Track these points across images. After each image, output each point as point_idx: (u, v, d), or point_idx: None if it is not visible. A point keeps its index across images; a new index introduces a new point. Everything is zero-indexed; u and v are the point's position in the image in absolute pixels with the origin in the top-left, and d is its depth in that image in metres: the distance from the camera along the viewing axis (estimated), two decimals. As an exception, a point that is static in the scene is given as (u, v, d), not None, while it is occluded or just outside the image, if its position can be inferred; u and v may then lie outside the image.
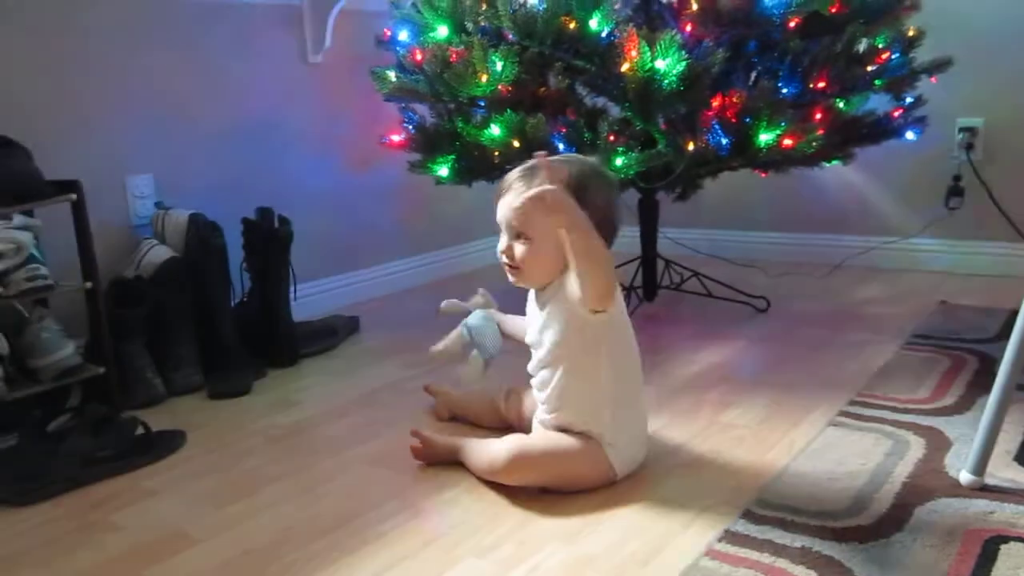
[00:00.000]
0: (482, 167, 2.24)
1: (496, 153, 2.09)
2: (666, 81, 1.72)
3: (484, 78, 1.94)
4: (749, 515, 1.27)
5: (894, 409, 1.64)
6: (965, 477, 1.33)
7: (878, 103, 2.26)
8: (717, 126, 1.87)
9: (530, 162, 1.42)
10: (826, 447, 1.50)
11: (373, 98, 2.34)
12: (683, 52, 1.71)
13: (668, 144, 1.99)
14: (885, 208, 2.76)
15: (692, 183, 2.35)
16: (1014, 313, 2.20)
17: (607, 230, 1.36)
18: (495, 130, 1.96)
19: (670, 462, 1.49)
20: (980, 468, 1.32)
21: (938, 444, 1.48)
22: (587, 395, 1.40)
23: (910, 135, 2.04)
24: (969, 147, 2.59)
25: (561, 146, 1.97)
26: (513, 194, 1.40)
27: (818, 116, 2.03)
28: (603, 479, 1.41)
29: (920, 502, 1.28)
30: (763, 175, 2.09)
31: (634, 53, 1.73)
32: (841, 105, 2.16)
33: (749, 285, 2.53)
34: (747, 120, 1.82)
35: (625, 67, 1.75)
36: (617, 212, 1.41)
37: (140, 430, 1.67)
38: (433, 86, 2.02)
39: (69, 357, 1.79)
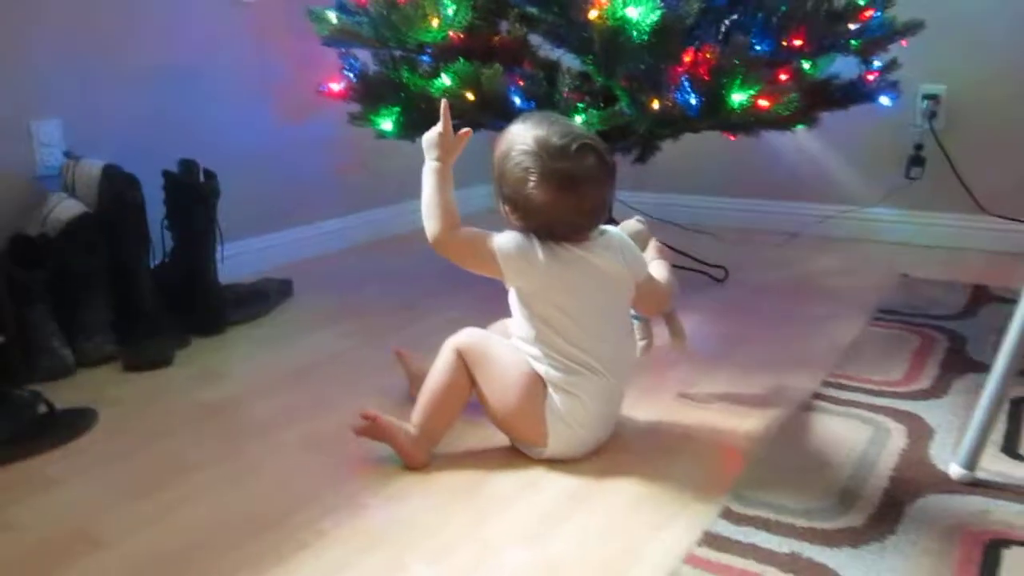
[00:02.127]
0: (430, 121, 2.05)
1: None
2: (636, 32, 1.57)
3: (435, 23, 1.77)
4: (729, 514, 1.15)
5: (869, 392, 1.55)
6: (956, 471, 1.24)
7: (842, 67, 2.14)
8: (687, 84, 1.73)
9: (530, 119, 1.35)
10: (803, 433, 1.40)
11: (310, 41, 2.13)
12: (657, 0, 1.56)
13: (631, 102, 1.85)
14: (843, 176, 2.67)
15: (652, 145, 2.21)
16: (977, 288, 2.16)
17: (524, 211, 1.30)
18: (445, 80, 1.78)
19: (638, 448, 1.37)
20: (972, 462, 1.23)
21: (919, 432, 1.39)
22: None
23: (885, 100, 1.94)
24: (932, 115, 2.51)
25: (518, 100, 1.81)
26: None
27: (783, 77, 1.90)
28: (532, 427, 1.31)
29: (910, 499, 1.18)
30: (732, 138, 1.97)
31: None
32: (806, 67, 2.04)
33: (704, 253, 2.42)
34: (720, 79, 1.68)
35: (593, 14, 1.59)
36: (536, 202, 1.28)
37: (43, 408, 1.48)
38: (378, 30, 1.84)
39: (-40, 324, 1.58)
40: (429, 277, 2.37)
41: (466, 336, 1.37)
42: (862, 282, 2.28)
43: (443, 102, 1.42)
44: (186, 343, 1.89)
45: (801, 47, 1.77)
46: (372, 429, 1.34)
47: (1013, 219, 2.47)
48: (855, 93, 1.95)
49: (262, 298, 2.13)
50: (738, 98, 1.70)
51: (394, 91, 2.04)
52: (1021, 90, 2.42)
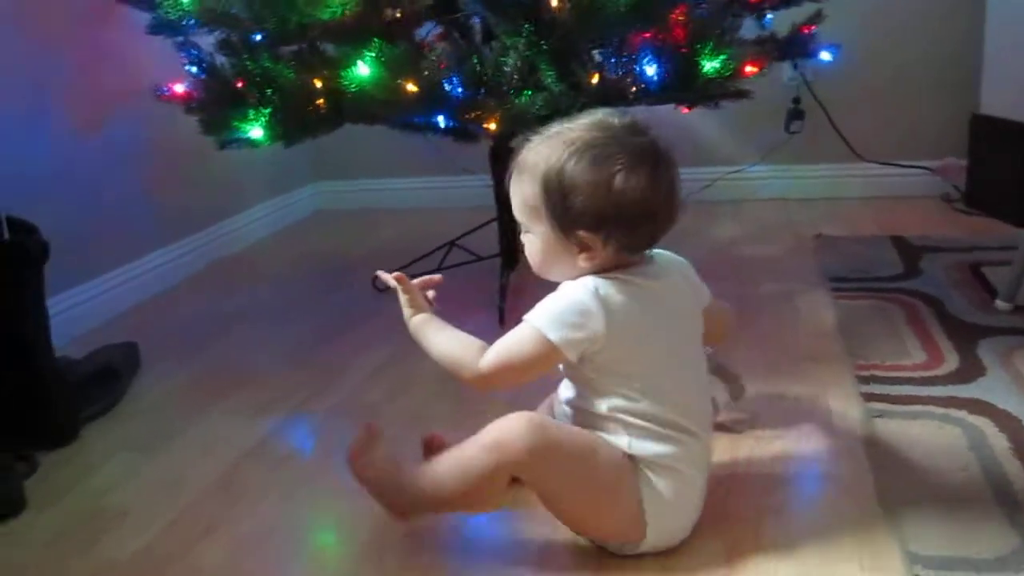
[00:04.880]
0: (310, 122, 1.64)
1: (340, 99, 1.52)
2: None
3: (337, -5, 1.35)
4: (928, 587, 0.93)
5: (912, 381, 1.40)
6: (1098, 469, 1.10)
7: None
8: (650, 53, 1.46)
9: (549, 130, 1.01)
10: (898, 451, 1.20)
11: (105, 28, 1.63)
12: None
13: (558, 79, 1.55)
14: (722, 138, 2.54)
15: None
16: (896, 240, 2.11)
17: (618, 218, 0.96)
18: (363, 70, 1.37)
19: (738, 512, 1.10)
20: (1116, 457, 1.10)
21: (1008, 424, 1.24)
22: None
23: (826, 55, 1.78)
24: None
25: (449, 87, 1.45)
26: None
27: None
28: (629, 522, 1.00)
29: (1087, 517, 1.02)
30: (685, 111, 1.73)
31: (584, -46, 1.25)
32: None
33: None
34: (695, 45, 1.43)
35: (573, -27, 1.26)
36: (633, 195, 0.95)
37: None
38: (254, 9, 1.38)
39: None
40: (304, 310, 1.97)
41: (517, 439, 0.97)
42: (780, 248, 2.17)
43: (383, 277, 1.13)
44: (33, 466, 1.35)
45: (759, 2, 1.55)
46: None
47: (887, 163, 2.48)
48: (795, 50, 1.77)
49: (112, 377, 1.60)
50: (711, 65, 1.46)
51: (259, 88, 1.59)
52: (885, 34, 2.40)
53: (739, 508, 1.11)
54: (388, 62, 1.34)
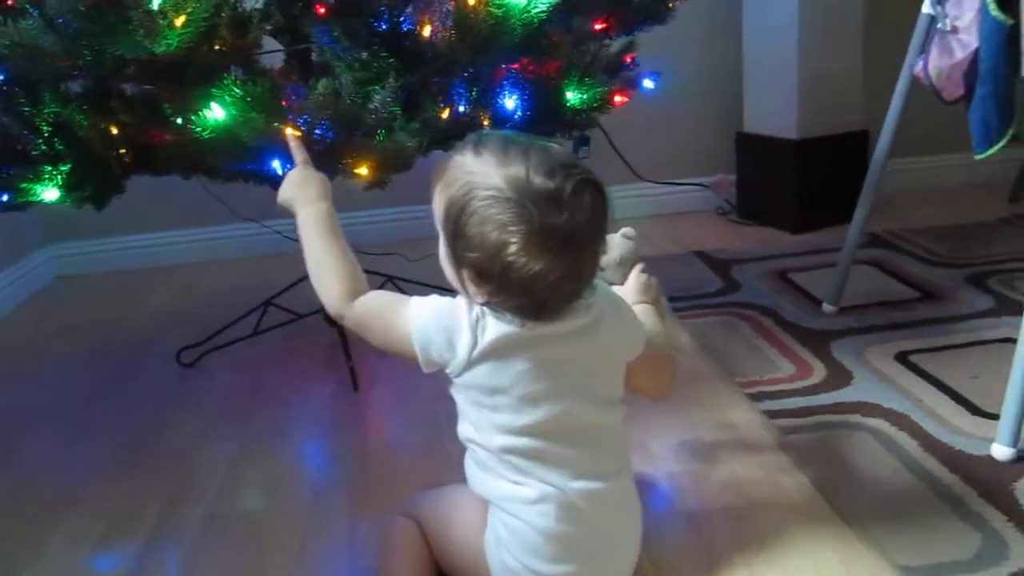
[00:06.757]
0: (114, 177, 1.37)
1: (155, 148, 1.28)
2: (521, 22, 1.18)
3: (179, 22, 1.12)
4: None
5: (797, 392, 1.45)
6: (1002, 452, 1.20)
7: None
8: (513, 85, 1.39)
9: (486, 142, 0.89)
10: (828, 466, 1.23)
11: None
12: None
13: (413, 116, 1.43)
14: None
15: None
16: (699, 254, 2.21)
17: (501, 283, 0.85)
18: (218, 113, 1.15)
19: (722, 547, 1.06)
20: (1015, 438, 1.20)
21: (902, 422, 1.33)
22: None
23: (649, 83, 1.80)
24: (581, 92, 2.50)
25: (290, 131, 1.26)
26: None
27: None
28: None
29: (1013, 507, 1.11)
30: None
31: (480, -21, 1.14)
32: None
33: (415, 276, 2.07)
34: (564, 76, 1.38)
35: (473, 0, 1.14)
36: (518, 264, 0.83)
37: None
38: (65, 42, 1.10)
39: None
40: (99, 400, 1.67)
41: (419, 497, 1.07)
42: (598, 272, 2.18)
43: (288, 132, 1.14)
44: None
45: (604, 30, 1.54)
46: None
47: (666, 182, 2.62)
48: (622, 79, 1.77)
49: None
50: (578, 96, 1.42)
51: (47, 142, 1.29)
52: (658, 62, 2.52)
53: (723, 551, 1.07)
54: (255, 102, 1.13)
